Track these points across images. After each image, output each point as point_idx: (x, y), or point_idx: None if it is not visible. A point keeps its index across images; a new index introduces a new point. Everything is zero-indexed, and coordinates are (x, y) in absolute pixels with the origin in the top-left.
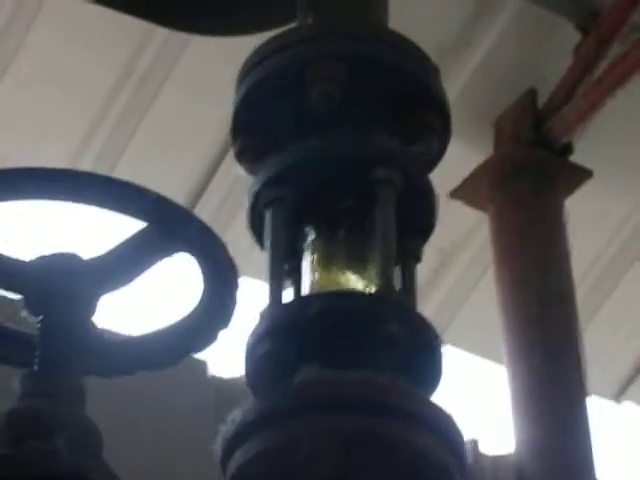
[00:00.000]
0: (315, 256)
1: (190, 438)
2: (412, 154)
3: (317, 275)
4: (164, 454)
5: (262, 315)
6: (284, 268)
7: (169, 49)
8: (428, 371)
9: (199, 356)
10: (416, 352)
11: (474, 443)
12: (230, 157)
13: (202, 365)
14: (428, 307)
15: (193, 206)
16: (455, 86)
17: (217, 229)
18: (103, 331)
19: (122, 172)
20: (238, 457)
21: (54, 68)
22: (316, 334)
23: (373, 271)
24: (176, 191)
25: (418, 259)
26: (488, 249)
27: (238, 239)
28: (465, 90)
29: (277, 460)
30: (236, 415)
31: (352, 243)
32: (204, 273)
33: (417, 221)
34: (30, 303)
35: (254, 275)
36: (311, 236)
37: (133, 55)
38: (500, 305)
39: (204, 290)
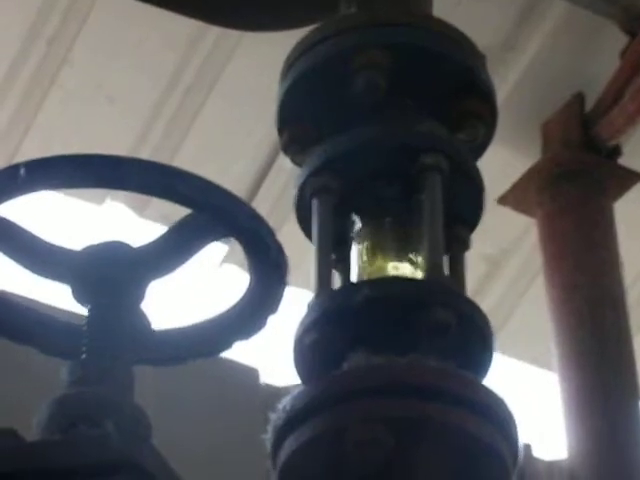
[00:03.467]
0: (363, 244)
1: (240, 446)
2: (458, 141)
3: (365, 263)
4: (213, 461)
5: (310, 304)
6: (332, 257)
7: (214, 58)
8: (479, 356)
9: (251, 364)
10: (466, 337)
11: (528, 448)
12: (278, 165)
13: (254, 373)
14: None
15: None
16: (502, 91)
17: None
18: (152, 319)
19: None
20: (288, 445)
21: (100, 80)
22: (364, 321)
23: (421, 258)
24: None
25: (467, 247)
26: (537, 255)
27: (286, 246)
28: (512, 95)
29: (327, 446)
30: (286, 403)
31: (400, 231)
32: (251, 258)
33: (465, 208)
34: (78, 292)
35: (302, 285)
36: (358, 225)
37: (178, 65)
38: (551, 310)
39: (252, 275)
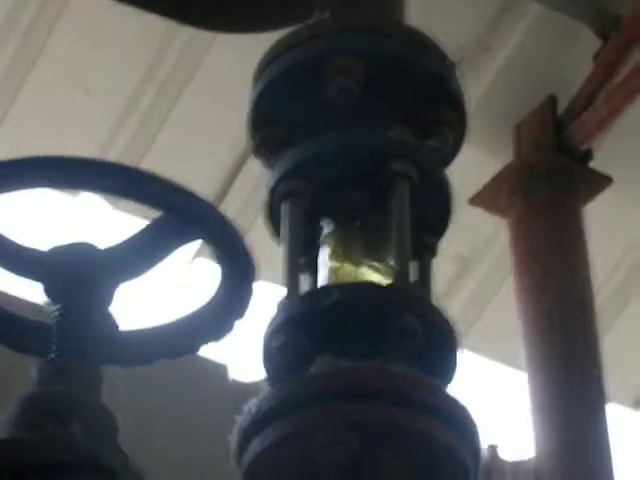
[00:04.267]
0: (331, 249)
1: (208, 441)
2: (427, 148)
3: (333, 268)
4: (181, 457)
5: (278, 307)
6: (300, 261)
7: (191, 52)
8: (443, 363)
9: (220, 360)
10: (431, 343)
11: (494, 449)
12: (251, 161)
13: (223, 369)
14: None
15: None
16: (475, 92)
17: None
18: (120, 320)
19: None
20: (254, 446)
21: (76, 72)
22: (331, 325)
23: (389, 264)
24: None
25: (434, 253)
26: (508, 256)
27: (259, 242)
28: (485, 96)
29: (292, 449)
30: (252, 405)
31: (368, 236)
32: (220, 261)
33: (433, 215)
34: (48, 291)
35: (275, 280)
36: (327, 229)
37: (155, 58)
38: (520, 311)
39: (221, 279)
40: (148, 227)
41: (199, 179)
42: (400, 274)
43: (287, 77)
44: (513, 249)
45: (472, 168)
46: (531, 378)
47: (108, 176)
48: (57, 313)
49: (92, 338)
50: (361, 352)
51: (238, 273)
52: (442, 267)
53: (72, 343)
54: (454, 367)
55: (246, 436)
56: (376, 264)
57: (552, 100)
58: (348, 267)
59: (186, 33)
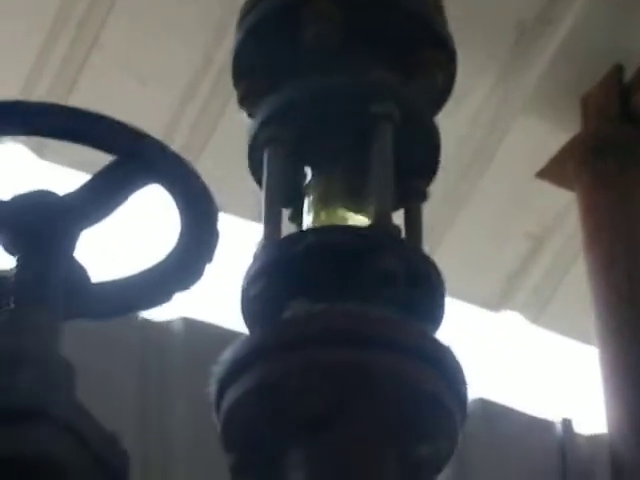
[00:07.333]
0: (314, 196)
1: None
2: (411, 89)
3: (316, 214)
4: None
5: (254, 256)
6: (281, 209)
7: None
8: (426, 308)
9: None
10: (414, 288)
11: (568, 422)
12: None
13: None
14: (523, 291)
15: None
16: (539, 64)
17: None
18: (86, 271)
19: (204, 165)
20: (230, 395)
21: (131, 61)
22: (307, 271)
23: (371, 208)
24: None
25: (424, 198)
26: (579, 231)
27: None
28: (550, 68)
29: (267, 396)
30: (227, 354)
31: (350, 181)
32: (180, 206)
33: (421, 160)
34: (7, 241)
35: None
36: (310, 175)
37: (210, 47)
38: (591, 285)
39: (182, 224)
40: (104, 171)
41: None
42: (379, 217)
43: (266, 25)
44: (583, 222)
45: (539, 142)
46: (602, 351)
47: (57, 119)
48: (16, 262)
49: (53, 289)
50: (339, 297)
51: (201, 216)
52: (514, 245)
53: (31, 294)
54: (440, 312)
55: (222, 386)
56: (359, 209)
57: (618, 69)
58: (330, 213)
59: None
